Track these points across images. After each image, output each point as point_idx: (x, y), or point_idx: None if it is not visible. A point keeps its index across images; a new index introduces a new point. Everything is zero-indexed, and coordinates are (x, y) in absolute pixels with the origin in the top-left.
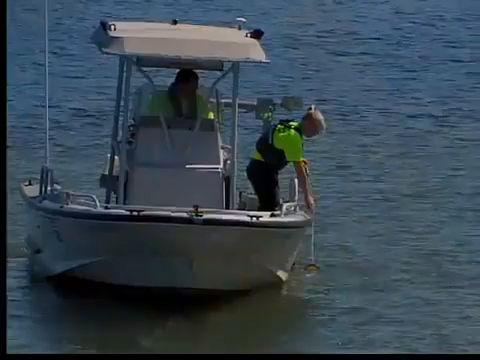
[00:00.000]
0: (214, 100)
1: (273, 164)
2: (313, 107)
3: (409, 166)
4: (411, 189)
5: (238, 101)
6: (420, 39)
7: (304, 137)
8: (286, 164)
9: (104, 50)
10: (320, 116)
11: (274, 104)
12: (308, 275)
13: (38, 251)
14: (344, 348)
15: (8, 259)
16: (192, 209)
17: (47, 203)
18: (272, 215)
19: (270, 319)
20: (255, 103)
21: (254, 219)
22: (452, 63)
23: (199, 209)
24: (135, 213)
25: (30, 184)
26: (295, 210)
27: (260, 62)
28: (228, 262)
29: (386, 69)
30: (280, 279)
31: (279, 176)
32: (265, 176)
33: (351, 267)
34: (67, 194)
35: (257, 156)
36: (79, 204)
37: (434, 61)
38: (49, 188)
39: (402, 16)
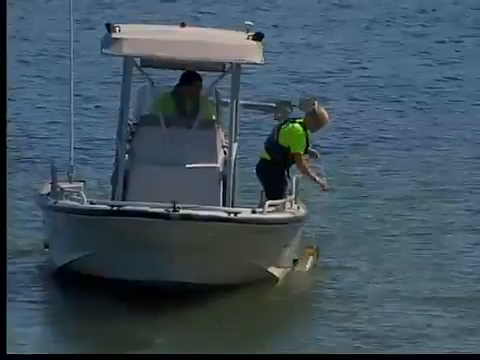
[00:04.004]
0: (216, 100)
1: (280, 162)
2: (316, 102)
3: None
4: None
5: (257, 103)
6: None
7: (310, 132)
8: (293, 162)
9: (103, 51)
10: (323, 110)
11: (293, 106)
12: (308, 263)
13: (47, 246)
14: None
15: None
16: (170, 204)
17: (48, 199)
18: (253, 212)
19: (253, 318)
20: (273, 105)
21: (231, 215)
22: None
23: (177, 205)
24: (115, 208)
25: None
26: (285, 207)
27: (255, 64)
28: (208, 257)
29: None
30: (273, 275)
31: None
32: (272, 174)
33: (348, 268)
34: (61, 190)
35: (264, 155)
36: (71, 200)
37: None
38: (61, 185)
39: None
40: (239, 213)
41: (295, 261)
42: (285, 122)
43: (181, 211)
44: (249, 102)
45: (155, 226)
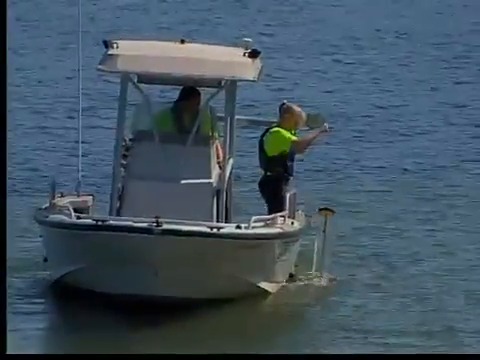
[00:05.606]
0: (211, 115)
1: (280, 175)
2: (285, 101)
3: None
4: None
5: (258, 118)
6: None
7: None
8: (292, 171)
9: (98, 67)
10: (294, 107)
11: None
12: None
13: (46, 259)
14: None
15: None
16: (153, 219)
17: (42, 214)
18: (238, 227)
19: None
20: (276, 121)
21: (214, 230)
22: None
23: (160, 219)
24: (100, 223)
25: (62, 196)
26: (275, 222)
27: (248, 81)
28: (193, 271)
29: None
30: (264, 290)
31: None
32: (272, 189)
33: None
34: (53, 204)
35: (265, 171)
36: (60, 214)
37: None
38: (67, 199)
39: None
40: (222, 228)
41: (291, 276)
42: (262, 137)
43: (164, 226)
44: (251, 118)
45: (138, 241)
